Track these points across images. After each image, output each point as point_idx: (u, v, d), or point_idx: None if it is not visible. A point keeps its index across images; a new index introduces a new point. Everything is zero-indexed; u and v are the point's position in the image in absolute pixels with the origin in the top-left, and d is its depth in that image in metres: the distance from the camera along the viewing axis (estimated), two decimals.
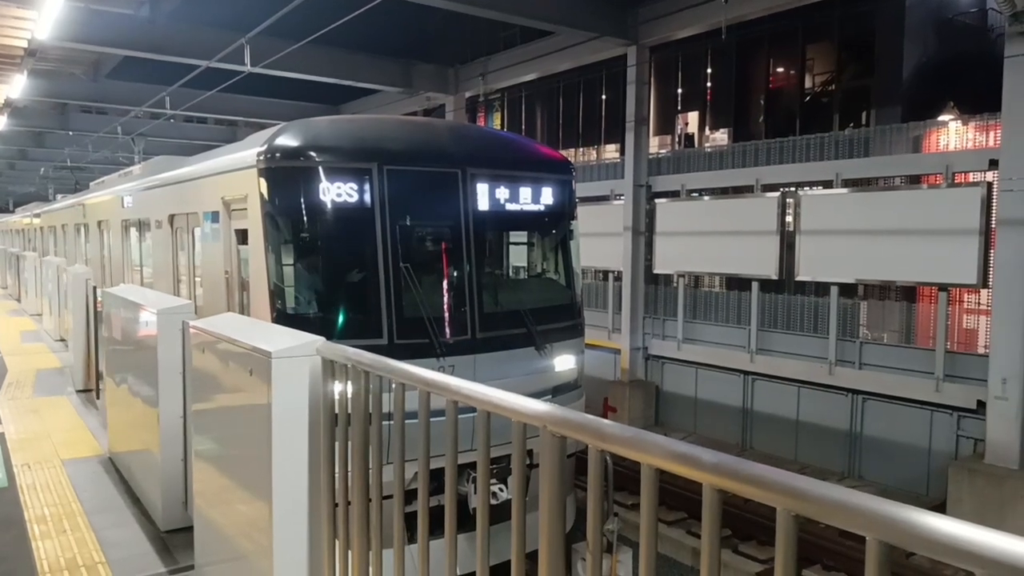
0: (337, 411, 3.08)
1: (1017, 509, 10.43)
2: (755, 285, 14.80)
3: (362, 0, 11.28)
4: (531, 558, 2.16)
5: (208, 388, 4.10)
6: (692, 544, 11.30)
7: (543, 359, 8.09)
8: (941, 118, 13.64)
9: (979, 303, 13.15)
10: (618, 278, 17.64)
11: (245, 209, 7.74)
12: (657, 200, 16.90)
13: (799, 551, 1.50)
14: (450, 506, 2.49)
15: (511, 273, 9.02)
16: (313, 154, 7.31)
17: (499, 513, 4.53)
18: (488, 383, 2.40)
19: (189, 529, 4.52)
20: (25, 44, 7.63)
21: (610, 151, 20.71)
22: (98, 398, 8.92)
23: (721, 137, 18.40)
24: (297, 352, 3.15)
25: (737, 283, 15.79)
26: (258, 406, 3.26)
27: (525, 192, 8.32)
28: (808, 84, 17.05)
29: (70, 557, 4.83)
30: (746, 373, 15.19)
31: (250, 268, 7.73)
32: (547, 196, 8.55)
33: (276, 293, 7.28)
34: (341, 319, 7.31)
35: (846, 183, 13.49)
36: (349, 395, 2.98)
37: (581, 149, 21.91)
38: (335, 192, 7.18)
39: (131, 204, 12.88)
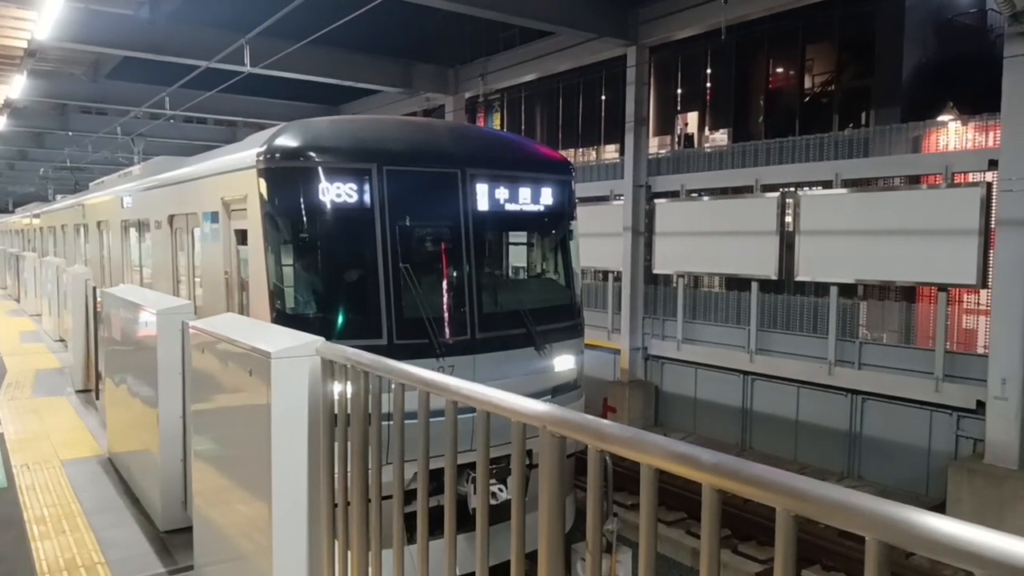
0: (337, 411, 3.08)
1: (1016, 509, 10.43)
2: (755, 285, 14.80)
3: (362, 0, 11.28)
4: (531, 558, 2.16)
5: (207, 388, 4.10)
6: (692, 544, 11.30)
7: (542, 359, 8.09)
8: (941, 118, 13.65)
9: (978, 303, 13.15)
10: (618, 278, 17.64)
11: (245, 209, 7.74)
12: (657, 200, 16.90)
13: (798, 551, 1.50)
14: (450, 506, 2.48)
15: (511, 273, 9.03)
16: (313, 154, 7.31)
17: (499, 513, 4.53)
18: (487, 383, 2.40)
19: (188, 529, 4.52)
20: (25, 44, 7.63)
21: (610, 151, 20.71)
22: (97, 398, 8.92)
23: (721, 137, 18.41)
24: (297, 352, 3.15)
25: (737, 283, 15.80)
26: (257, 406, 3.26)
27: (525, 192, 8.32)
28: (808, 84, 17.06)
29: (69, 557, 4.82)
30: (746, 373, 15.20)
31: (250, 268, 7.73)
32: (547, 196, 8.55)
33: (276, 293, 7.28)
34: (341, 319, 7.32)
35: (846, 183, 13.49)
36: (349, 395, 2.98)
37: (581, 149, 21.92)
38: (335, 192, 7.18)
39: (131, 204, 12.88)
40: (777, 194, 14.37)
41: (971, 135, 12.68)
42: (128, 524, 5.44)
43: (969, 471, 11.13)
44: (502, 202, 8.12)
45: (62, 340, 13.83)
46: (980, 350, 12.34)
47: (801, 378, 14.17)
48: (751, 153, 15.41)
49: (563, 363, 8.33)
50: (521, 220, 8.64)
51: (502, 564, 2.33)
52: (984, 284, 11.57)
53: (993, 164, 11.29)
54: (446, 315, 7.53)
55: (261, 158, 7.44)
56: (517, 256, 9.13)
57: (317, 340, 3.20)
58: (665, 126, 19.73)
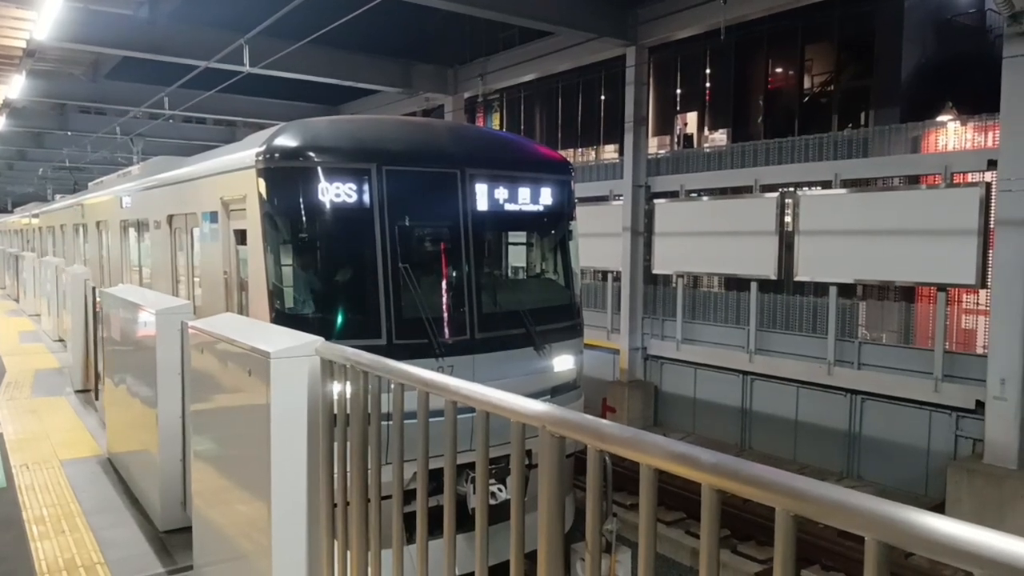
0: (336, 411, 3.08)
1: (1016, 509, 10.44)
2: (754, 285, 14.80)
3: (361, 0, 11.28)
4: (530, 558, 2.16)
5: (207, 388, 4.10)
6: (691, 544, 11.31)
7: (542, 359, 8.09)
8: (940, 119, 13.65)
9: (978, 303, 13.15)
10: (617, 278, 17.64)
11: (244, 209, 7.74)
12: (656, 200, 16.90)
13: (798, 551, 1.50)
14: (449, 506, 2.48)
15: (510, 273, 9.03)
16: (312, 154, 7.31)
17: (498, 513, 4.53)
18: (487, 383, 2.40)
19: (188, 529, 4.52)
20: (24, 44, 7.62)
21: (609, 151, 20.71)
22: (97, 399, 8.92)
23: (720, 137, 18.41)
24: (296, 352, 3.15)
25: (736, 283, 15.80)
26: (257, 406, 3.26)
27: (524, 192, 8.33)
28: (807, 84, 17.07)
29: (69, 557, 4.82)
30: (745, 373, 15.20)
31: (249, 268, 7.73)
32: (546, 196, 8.55)
33: (275, 293, 7.28)
34: (340, 319, 7.32)
35: (845, 183, 13.50)
36: (348, 395, 2.98)
37: (580, 149, 21.92)
38: (334, 192, 7.18)
39: (130, 204, 12.88)
40: (776, 194, 14.38)
41: (970, 135, 12.69)
42: (127, 524, 5.44)
43: (968, 471, 11.14)
44: (501, 202, 8.12)
45: (61, 340, 13.83)
46: (979, 350, 12.35)
47: (800, 378, 14.18)
48: (750, 153, 15.41)
49: (562, 363, 8.33)
50: (520, 220, 8.65)
51: (502, 564, 2.33)
52: (983, 284, 11.58)
53: (992, 164, 11.30)
54: (445, 315, 7.53)
55: (260, 158, 7.44)
56: (516, 256, 9.13)
57: (316, 340, 3.20)
58: (664, 126, 19.74)
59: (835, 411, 13.76)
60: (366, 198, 7.28)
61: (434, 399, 2.51)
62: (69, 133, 28.20)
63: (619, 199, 17.55)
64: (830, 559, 10.22)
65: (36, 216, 27.53)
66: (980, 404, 11.50)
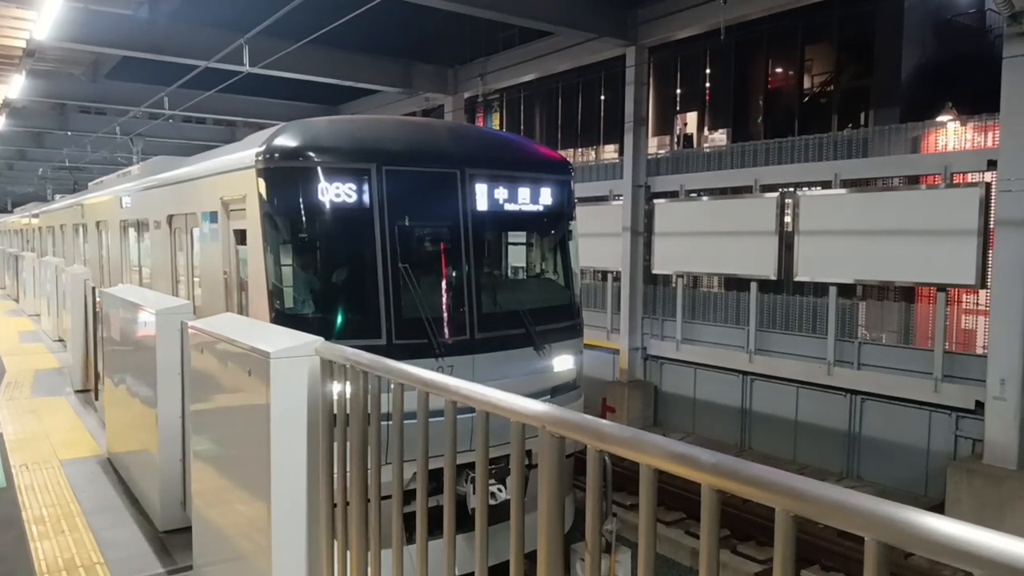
0: (336, 411, 3.08)
1: (1016, 509, 10.44)
2: (754, 285, 14.81)
3: (361, 0, 11.28)
4: (530, 558, 2.16)
5: (207, 388, 4.10)
6: (691, 544, 11.31)
7: (542, 359, 8.09)
8: (940, 119, 13.64)
9: (977, 303, 13.16)
10: (617, 278, 17.64)
11: (244, 209, 7.74)
12: (656, 200, 16.90)
13: (798, 551, 1.50)
14: (449, 506, 2.49)
15: (510, 273, 9.03)
16: (312, 154, 7.31)
17: (498, 513, 4.52)
18: (487, 383, 2.40)
19: (187, 529, 4.52)
20: (24, 44, 7.62)
21: (609, 151, 20.71)
22: (96, 399, 8.92)
23: (720, 137, 18.41)
24: (296, 352, 3.15)
25: (736, 283, 15.80)
26: (257, 406, 3.26)
27: (524, 192, 8.33)
28: (807, 84, 17.07)
29: (68, 557, 4.82)
30: (745, 373, 15.20)
31: (249, 268, 7.73)
32: (546, 196, 8.55)
33: (275, 293, 7.28)
34: (340, 319, 7.32)
35: (845, 183, 13.50)
36: (348, 395, 2.98)
37: (580, 149, 21.92)
38: (334, 192, 7.18)
39: (129, 204, 12.87)
40: (776, 194, 14.38)
41: (970, 135, 12.69)
42: (127, 524, 5.44)
43: (968, 471, 11.14)
44: (501, 202, 8.12)
45: (61, 340, 13.83)
46: (979, 350, 12.35)
47: (800, 378, 14.18)
48: (750, 153, 15.41)
49: (562, 363, 8.33)
50: (520, 220, 8.65)
51: (501, 564, 2.33)
52: (983, 284, 11.58)
53: (992, 164, 11.30)
54: (445, 315, 7.53)
55: (260, 158, 7.44)
56: (516, 256, 9.13)
57: (316, 340, 3.20)
58: (664, 126, 19.73)
59: (835, 411, 13.76)
60: (366, 198, 7.28)
61: (434, 399, 2.51)
62: (69, 133, 28.20)
63: (619, 199, 17.55)
64: (830, 559, 10.22)
65: (36, 216, 27.52)
66: (980, 404, 11.50)
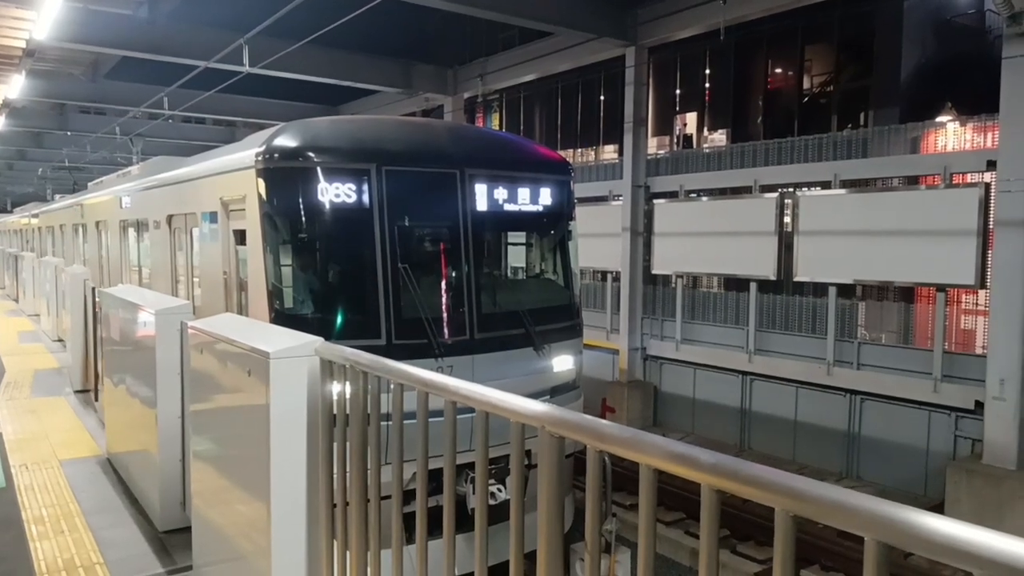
0: (336, 411, 3.08)
1: (1015, 509, 10.44)
2: (753, 286, 14.81)
3: (361, 0, 11.28)
4: (530, 558, 2.16)
5: (206, 389, 4.10)
6: (690, 544, 11.31)
7: (541, 360, 8.09)
8: (939, 119, 13.65)
9: (977, 304, 13.16)
10: (616, 279, 17.64)
11: (243, 210, 7.73)
12: (655, 201, 16.91)
13: (797, 551, 1.50)
14: (448, 506, 2.49)
15: (509, 274, 9.03)
16: (312, 155, 7.31)
17: (498, 513, 4.52)
18: (486, 383, 2.40)
19: (187, 530, 4.52)
20: (23, 44, 7.62)
21: (609, 152, 20.71)
22: (96, 399, 8.92)
23: (719, 138, 18.41)
24: (295, 352, 3.15)
25: (735, 284, 15.80)
26: (256, 406, 3.26)
27: (524, 193, 8.33)
28: (807, 85, 17.07)
29: (68, 558, 4.82)
30: (744, 373, 15.20)
31: (248, 268, 7.73)
32: (546, 197, 8.55)
33: (274, 293, 7.28)
34: (339, 319, 7.32)
35: (844, 184, 13.50)
36: (347, 395, 2.98)
37: (580, 150, 21.92)
38: (333, 193, 7.18)
39: (129, 204, 12.87)
40: (776, 194, 14.38)
41: (969, 136, 12.69)
42: (127, 524, 5.44)
43: (967, 471, 11.14)
44: (501, 202, 8.12)
45: (60, 340, 13.83)
46: (979, 350, 12.35)
47: (800, 378, 14.18)
48: (750, 154, 15.42)
49: (562, 363, 8.33)
50: (520, 220, 8.65)
51: (501, 564, 2.33)
52: (982, 284, 11.58)
53: (991, 165, 11.30)
54: (445, 315, 7.53)
55: (260, 158, 7.44)
56: (516, 256, 9.13)
57: (316, 340, 3.20)
58: (664, 126, 19.73)
59: (834, 411, 13.77)
60: (365, 198, 7.28)
61: (433, 399, 2.51)
62: (69, 133, 28.20)
63: (618, 199, 17.55)
64: (829, 559, 10.22)
65: (35, 216, 27.52)
66: (979, 404, 11.50)
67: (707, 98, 18.68)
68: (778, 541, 1.49)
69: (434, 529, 2.53)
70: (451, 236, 7.75)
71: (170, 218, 10.41)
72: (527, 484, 2.25)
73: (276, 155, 7.37)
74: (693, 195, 16.53)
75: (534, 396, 2.98)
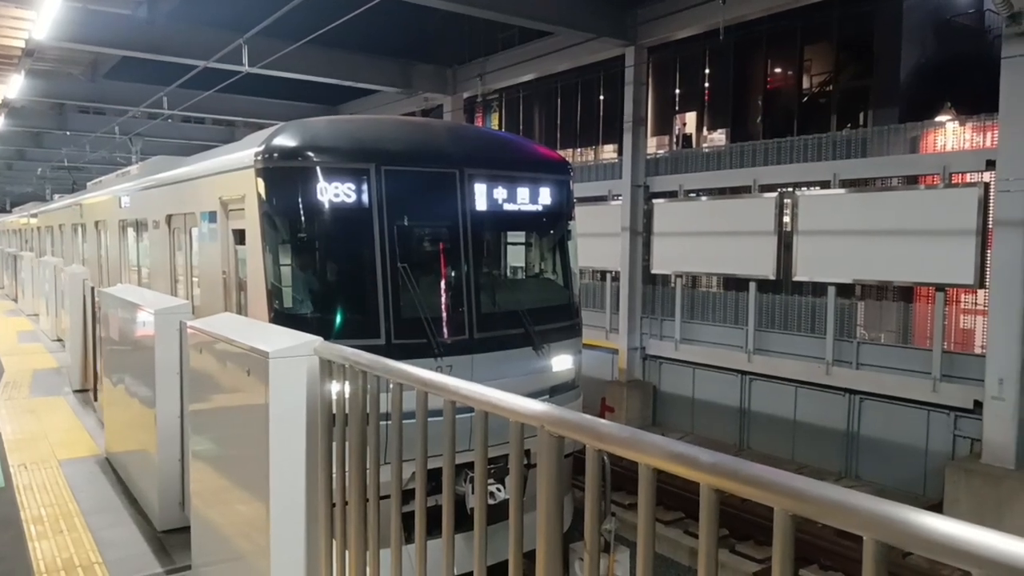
0: (335, 411, 3.08)
1: (1014, 509, 10.45)
2: (752, 285, 14.81)
3: (360, 0, 11.27)
4: (529, 558, 2.16)
5: (205, 388, 4.10)
6: (689, 544, 11.31)
7: (540, 359, 8.09)
8: (938, 119, 13.65)
9: (976, 303, 13.17)
10: (616, 278, 17.64)
11: (243, 209, 7.73)
12: (655, 200, 16.91)
13: (796, 551, 1.50)
14: (447, 506, 2.49)
15: (509, 273, 9.03)
16: (311, 154, 7.31)
17: (497, 513, 4.52)
18: (486, 383, 2.40)
19: (186, 529, 4.52)
20: (23, 44, 7.61)
21: (608, 151, 20.71)
22: (95, 399, 8.91)
23: (719, 137, 18.41)
24: (295, 352, 3.15)
25: (735, 283, 15.81)
26: (255, 406, 3.26)
27: (523, 192, 8.33)
28: (806, 85, 17.06)
29: (67, 557, 4.82)
30: (743, 373, 15.21)
31: (248, 268, 7.72)
32: (545, 196, 8.55)
33: (273, 293, 7.28)
34: (339, 319, 7.31)
35: (844, 183, 13.50)
36: (347, 395, 2.98)
37: (579, 149, 21.92)
38: (333, 192, 7.17)
39: (128, 204, 12.86)
40: (775, 194, 14.38)
41: (969, 135, 12.69)
42: (126, 524, 5.44)
43: (966, 471, 11.14)
44: (500, 202, 8.12)
45: (59, 340, 13.82)
46: (977, 350, 12.35)
47: (799, 378, 14.18)
48: (749, 153, 15.42)
49: (561, 363, 8.33)
50: (519, 220, 8.65)
51: (500, 564, 2.33)
52: (982, 284, 11.58)
53: (991, 164, 11.30)
54: (444, 315, 7.53)
55: (259, 158, 7.43)
56: (515, 256, 9.13)
57: (315, 340, 3.20)
58: (663, 126, 19.73)
59: (833, 411, 13.77)
60: (365, 198, 7.28)
61: (433, 399, 2.51)
62: (68, 133, 28.18)
63: (618, 199, 17.55)
64: (828, 559, 10.22)
65: (35, 216, 27.50)
66: (978, 404, 11.50)
67: (706, 98, 18.68)
68: (777, 540, 1.49)
69: (433, 529, 2.53)
70: (450, 236, 7.74)
71: (169, 218, 10.41)
72: (526, 484, 2.25)
73: (275, 155, 7.37)
74: (692, 195, 16.54)
75: (533, 396, 2.98)
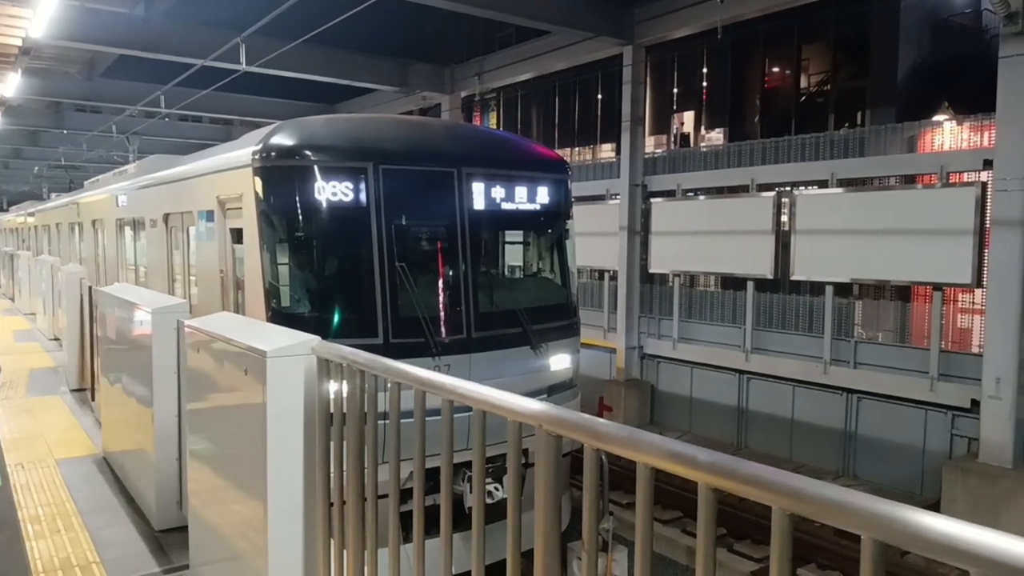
0: (332, 410, 3.07)
1: (1011, 508, 10.47)
2: (750, 284, 14.82)
3: None
4: (527, 557, 2.16)
5: (203, 387, 4.09)
6: (687, 543, 11.31)
7: (538, 358, 8.09)
8: (936, 118, 13.67)
9: (973, 302, 13.18)
10: (614, 277, 17.65)
11: (240, 208, 7.72)
12: (653, 200, 16.92)
13: (794, 550, 1.50)
14: (445, 505, 2.48)
15: (507, 272, 9.02)
16: (308, 153, 7.30)
17: (495, 512, 4.52)
18: (483, 382, 2.40)
19: (184, 529, 4.51)
20: (19, 42, 7.59)
21: (606, 151, 20.71)
22: (92, 398, 8.90)
23: (717, 137, 18.41)
24: (292, 351, 3.15)
25: (732, 282, 15.82)
26: (253, 405, 3.25)
27: (521, 191, 8.32)
28: (803, 84, 17.07)
29: (64, 557, 4.81)
30: (741, 372, 15.22)
31: (245, 267, 7.71)
32: (543, 195, 8.55)
33: (271, 292, 7.27)
34: (336, 318, 7.31)
35: (841, 183, 13.52)
36: (344, 394, 2.98)
37: (577, 149, 21.92)
38: (330, 191, 7.17)
39: (125, 203, 12.84)
40: (773, 193, 14.39)
41: (966, 135, 12.71)
42: (123, 523, 5.43)
43: (963, 470, 11.16)
44: (498, 201, 8.12)
45: (56, 339, 13.80)
46: (975, 349, 12.37)
47: (797, 377, 14.19)
48: (747, 152, 15.43)
49: (559, 362, 8.33)
50: (517, 219, 8.64)
51: (498, 563, 2.33)
52: (979, 283, 11.59)
53: (988, 164, 11.32)
54: (442, 314, 7.52)
55: (256, 156, 7.42)
56: (513, 255, 9.13)
57: (313, 339, 3.20)
58: (661, 125, 19.73)
59: (831, 410, 13.79)
60: (362, 197, 7.27)
61: (431, 398, 2.51)
62: (65, 131, 28.13)
63: (616, 198, 17.55)
64: (826, 558, 10.23)
65: (31, 215, 27.45)
66: (975, 403, 11.52)
67: (704, 97, 18.69)
68: (775, 540, 1.49)
69: (431, 528, 2.53)
70: (448, 235, 7.74)
71: (166, 216, 10.39)
72: (524, 483, 2.25)
73: (273, 153, 7.36)
74: (690, 194, 16.54)
75: (531, 395, 2.98)
